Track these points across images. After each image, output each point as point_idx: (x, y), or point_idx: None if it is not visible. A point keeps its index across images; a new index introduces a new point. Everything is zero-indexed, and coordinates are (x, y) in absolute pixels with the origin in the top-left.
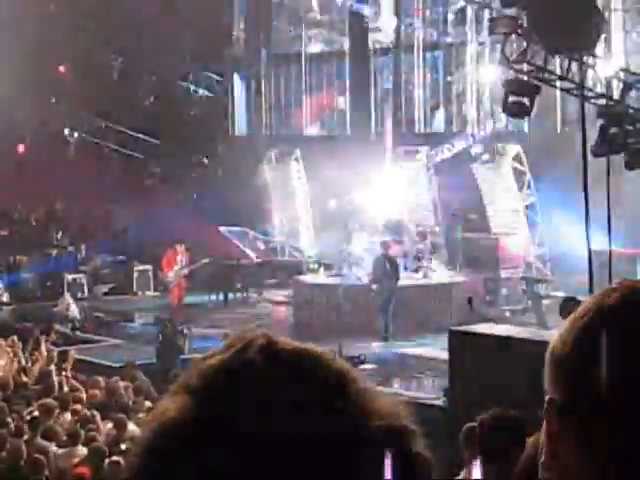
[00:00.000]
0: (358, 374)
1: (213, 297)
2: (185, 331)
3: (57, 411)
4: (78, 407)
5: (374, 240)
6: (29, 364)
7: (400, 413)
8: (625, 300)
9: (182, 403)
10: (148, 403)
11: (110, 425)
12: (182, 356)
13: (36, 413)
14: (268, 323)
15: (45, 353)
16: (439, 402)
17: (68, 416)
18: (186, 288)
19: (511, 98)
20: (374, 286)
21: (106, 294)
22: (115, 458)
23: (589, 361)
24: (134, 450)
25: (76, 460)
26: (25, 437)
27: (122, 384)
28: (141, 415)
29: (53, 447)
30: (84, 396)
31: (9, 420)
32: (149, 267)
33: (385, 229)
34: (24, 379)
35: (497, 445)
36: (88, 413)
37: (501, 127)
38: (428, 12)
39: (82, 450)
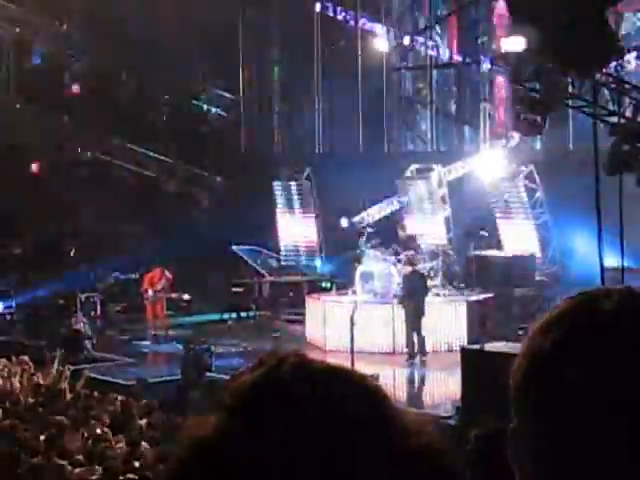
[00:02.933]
0: (388, 393)
1: (226, 316)
2: (212, 349)
3: (70, 429)
4: (91, 425)
5: (387, 258)
6: (42, 382)
7: (431, 431)
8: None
9: (217, 421)
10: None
11: (123, 443)
12: (208, 374)
13: (50, 431)
14: (281, 341)
15: (58, 371)
16: (451, 421)
17: (81, 434)
18: (164, 309)
19: (523, 116)
20: (401, 303)
21: (119, 312)
22: (130, 476)
23: None
24: (169, 467)
25: (92, 479)
26: (40, 456)
27: (134, 402)
28: (153, 433)
29: (68, 466)
30: (97, 414)
31: (24, 439)
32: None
33: (398, 247)
34: (37, 397)
35: (490, 459)
36: (101, 431)
37: (513, 145)
38: (440, 30)
39: (98, 469)
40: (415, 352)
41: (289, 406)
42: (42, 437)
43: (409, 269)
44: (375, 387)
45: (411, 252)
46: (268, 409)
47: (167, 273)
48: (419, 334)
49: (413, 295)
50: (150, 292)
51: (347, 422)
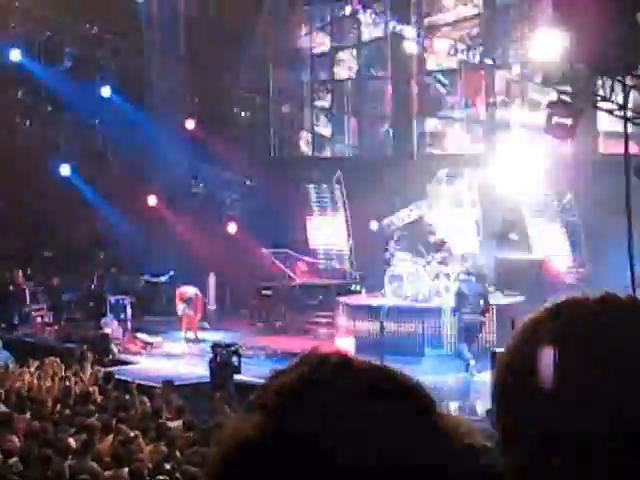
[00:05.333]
0: (432, 393)
1: (255, 318)
2: (240, 351)
3: (100, 432)
4: (121, 428)
5: (417, 261)
6: (73, 385)
7: (476, 432)
8: None
9: (259, 421)
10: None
11: (152, 446)
12: (236, 376)
13: (81, 434)
14: (312, 344)
15: (88, 374)
16: (482, 424)
17: (111, 437)
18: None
19: (554, 119)
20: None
21: (148, 315)
22: (160, 478)
23: None
24: (211, 468)
25: None
26: (72, 459)
27: (164, 405)
28: (184, 435)
29: (98, 469)
30: (127, 416)
31: (54, 441)
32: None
33: (427, 250)
34: (67, 399)
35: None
36: (131, 434)
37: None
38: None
39: (126, 472)
40: (466, 363)
41: (333, 407)
42: (72, 440)
43: (462, 278)
44: (419, 387)
45: (439, 255)
46: (312, 410)
47: (195, 291)
48: (463, 345)
49: (462, 307)
50: (181, 305)
51: (393, 422)
